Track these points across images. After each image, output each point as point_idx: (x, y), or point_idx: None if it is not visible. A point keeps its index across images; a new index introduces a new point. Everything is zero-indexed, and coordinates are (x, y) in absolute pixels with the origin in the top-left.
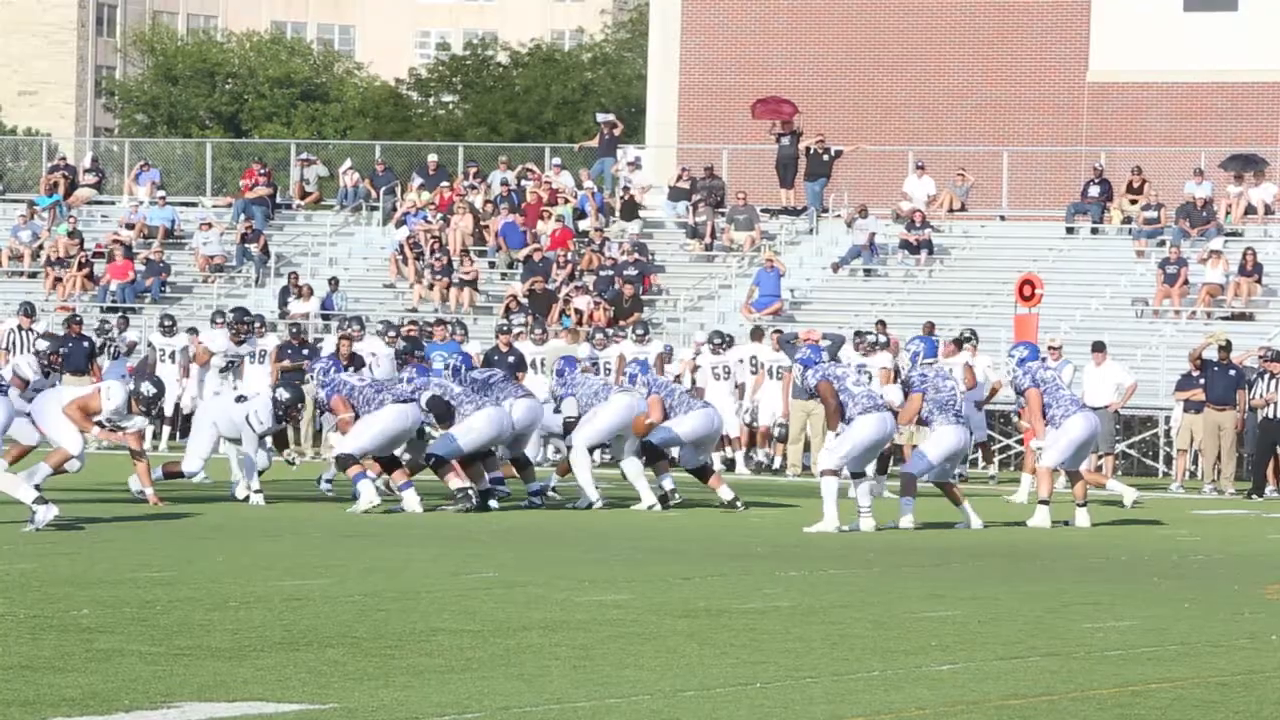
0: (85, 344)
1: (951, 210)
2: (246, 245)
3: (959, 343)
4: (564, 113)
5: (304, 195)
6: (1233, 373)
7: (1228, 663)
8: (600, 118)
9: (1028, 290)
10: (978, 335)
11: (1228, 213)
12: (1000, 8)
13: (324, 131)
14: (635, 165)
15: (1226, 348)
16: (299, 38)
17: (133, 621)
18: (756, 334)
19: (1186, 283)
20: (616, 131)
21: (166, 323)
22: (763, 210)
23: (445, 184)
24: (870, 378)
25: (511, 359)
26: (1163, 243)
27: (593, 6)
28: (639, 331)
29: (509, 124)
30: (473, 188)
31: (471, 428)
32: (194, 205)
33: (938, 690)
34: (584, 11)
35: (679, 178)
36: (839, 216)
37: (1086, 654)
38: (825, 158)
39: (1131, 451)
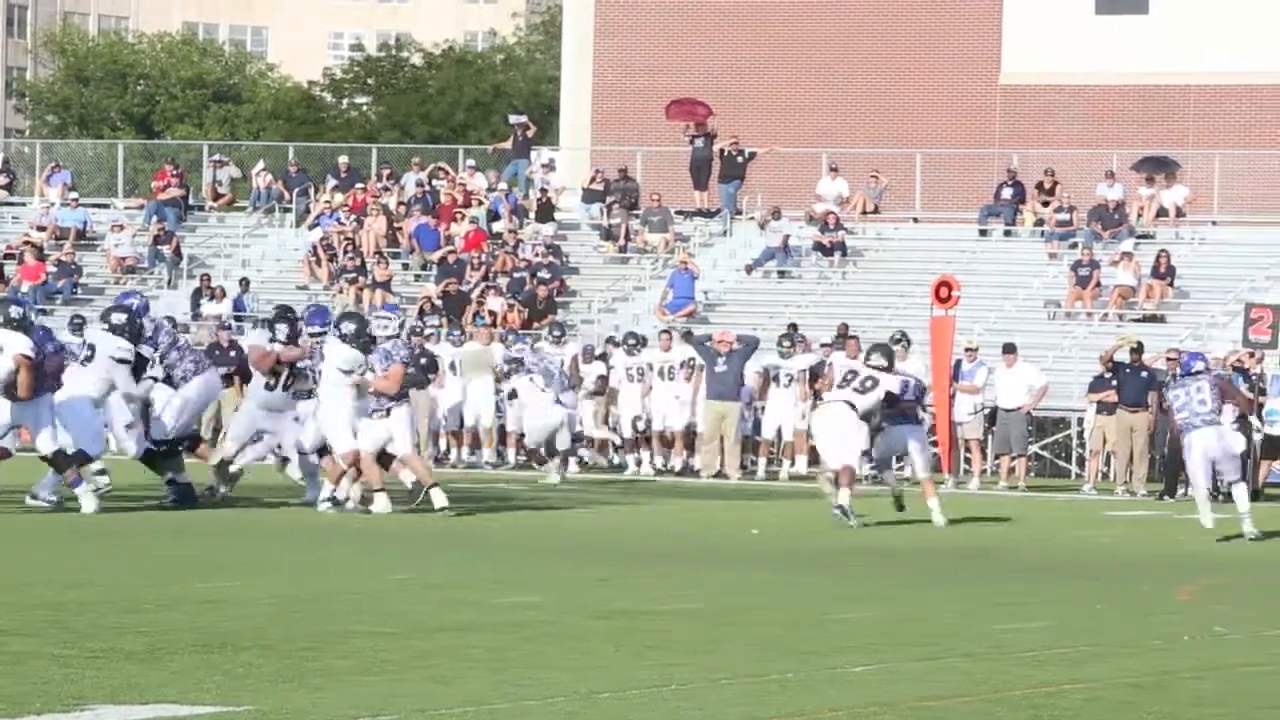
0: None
1: (865, 212)
2: (159, 246)
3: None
4: (475, 114)
5: (217, 197)
6: (1145, 374)
7: (1141, 664)
8: (513, 119)
9: (944, 292)
10: (908, 337)
11: (1139, 215)
12: (913, 10)
13: (237, 133)
14: (549, 167)
15: (1138, 350)
16: (211, 39)
17: (44, 624)
18: (687, 336)
19: (1098, 285)
20: (530, 133)
21: (76, 321)
22: (677, 212)
23: (359, 185)
24: (791, 380)
25: (424, 360)
26: (1075, 245)
27: (505, 8)
28: (555, 333)
29: (422, 126)
30: (386, 189)
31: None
32: (106, 207)
33: (852, 692)
34: (496, 13)
35: (593, 180)
36: (753, 218)
37: (1000, 655)
38: (739, 159)
39: (1044, 453)
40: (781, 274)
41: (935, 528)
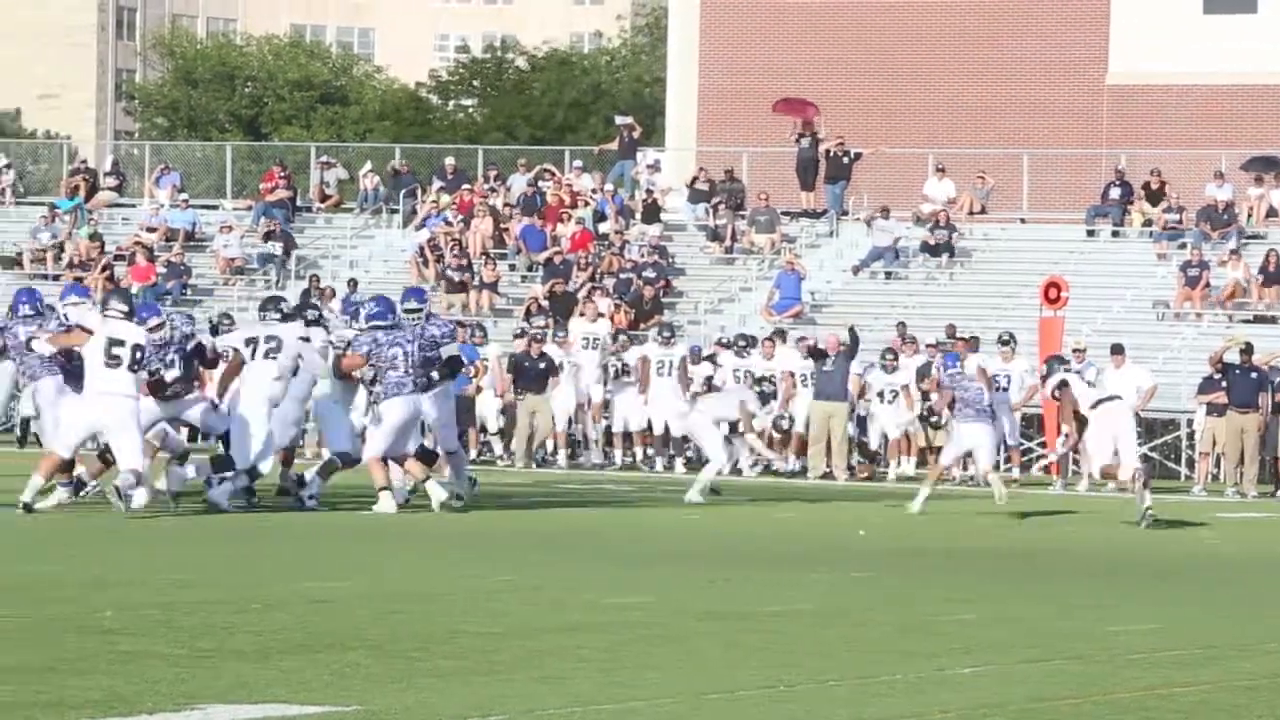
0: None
1: (972, 213)
2: (270, 244)
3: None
4: (576, 115)
5: (324, 198)
6: (1255, 375)
7: (1254, 665)
8: (618, 120)
9: (1053, 293)
10: (1015, 338)
11: (1249, 215)
12: (1020, 10)
13: (343, 134)
14: (654, 168)
15: (1248, 350)
16: (318, 41)
17: (155, 624)
18: (780, 337)
19: (1208, 285)
20: (635, 134)
21: (226, 323)
22: (783, 213)
23: (466, 186)
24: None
25: (542, 364)
26: (1183, 245)
27: (611, 9)
28: (664, 334)
29: (524, 128)
30: (492, 190)
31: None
32: (214, 208)
33: (961, 693)
34: (603, 14)
35: (697, 180)
36: (859, 219)
37: (1110, 657)
38: (845, 160)
39: (1153, 454)
40: (888, 275)
41: (1013, 518)
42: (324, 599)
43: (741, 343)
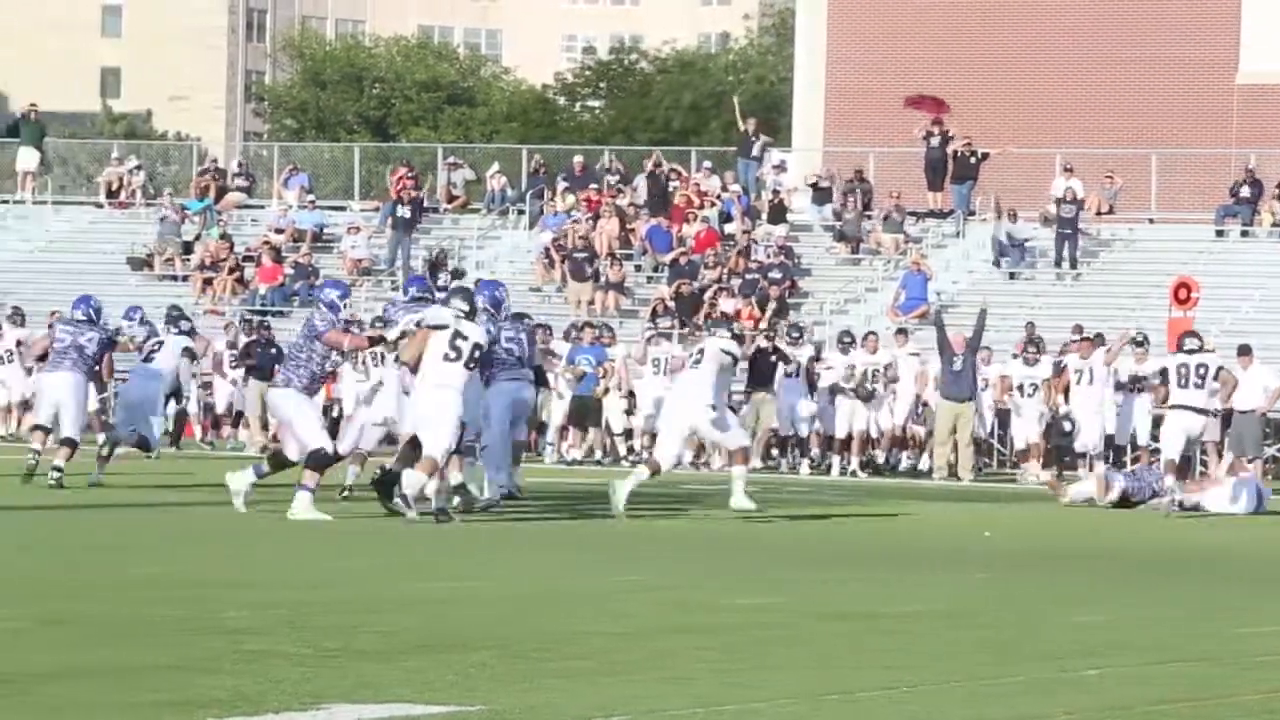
0: (274, 350)
1: (1099, 213)
2: (399, 242)
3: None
4: (695, 118)
5: (451, 199)
6: None
7: None
8: (750, 123)
9: (1183, 293)
10: (1148, 338)
11: None
12: (1150, 10)
13: (470, 135)
14: (780, 168)
15: None
16: (446, 42)
17: (281, 623)
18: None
19: None
20: (761, 136)
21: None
22: (909, 213)
23: (594, 185)
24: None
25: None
26: None
27: (739, 9)
28: (793, 334)
29: (644, 132)
30: (619, 191)
31: None
32: (342, 209)
33: (1085, 695)
34: (730, 14)
35: (824, 180)
36: (985, 220)
37: (1233, 659)
38: (972, 160)
39: None
40: (1013, 275)
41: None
42: (448, 599)
43: (847, 339)
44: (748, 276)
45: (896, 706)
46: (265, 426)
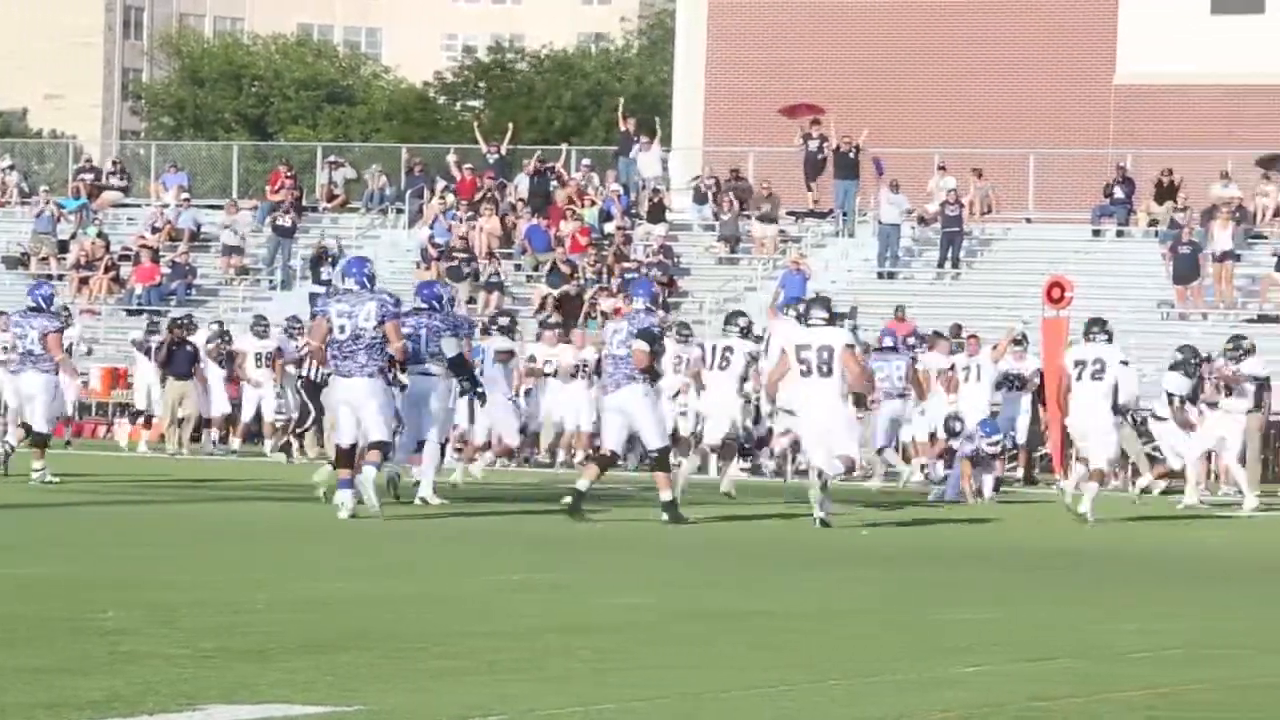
0: (190, 350)
1: (977, 213)
2: (279, 240)
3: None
4: (576, 118)
5: (331, 198)
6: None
7: (1257, 664)
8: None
9: (1056, 292)
10: (1027, 337)
11: (1257, 215)
12: (1027, 10)
13: (349, 134)
14: (660, 168)
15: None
16: (325, 40)
17: (158, 624)
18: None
19: (1217, 284)
20: (641, 136)
21: (260, 327)
22: (788, 213)
23: (469, 166)
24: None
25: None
26: (1188, 245)
27: (619, 8)
28: (683, 333)
29: (527, 132)
30: (498, 190)
31: None
32: (220, 208)
33: (963, 692)
34: (611, 14)
35: (703, 179)
36: (865, 219)
37: (1114, 655)
38: (851, 156)
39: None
40: (890, 275)
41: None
42: (328, 599)
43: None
44: (627, 276)
45: (774, 705)
46: (206, 425)
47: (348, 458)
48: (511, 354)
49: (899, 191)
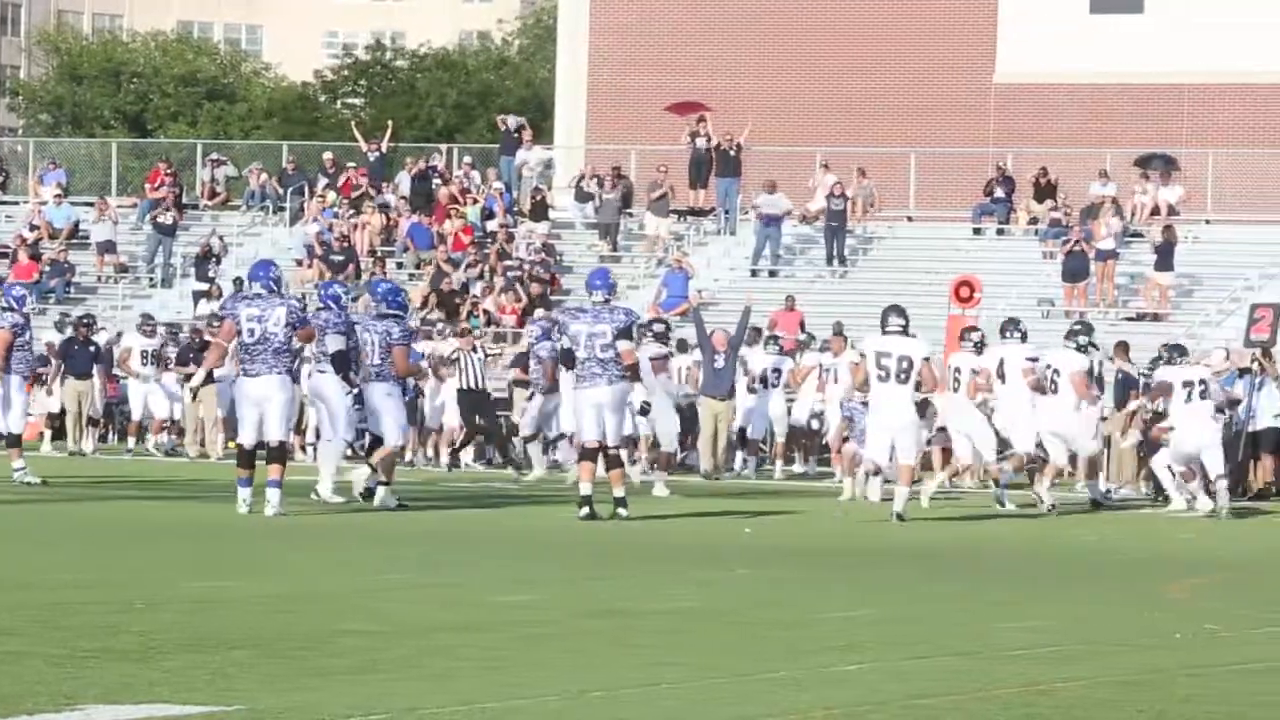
0: (93, 349)
1: (856, 210)
2: (161, 238)
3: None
4: (460, 116)
5: (212, 195)
6: (1121, 376)
7: (1132, 661)
8: (510, 120)
9: (965, 291)
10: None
11: (1134, 214)
12: (908, 10)
13: (229, 131)
14: (544, 166)
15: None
16: (206, 38)
17: (37, 624)
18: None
19: (1101, 282)
20: (524, 133)
21: (148, 326)
22: (670, 211)
23: (351, 164)
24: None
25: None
26: (1068, 243)
27: (502, 8)
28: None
29: (409, 129)
30: (380, 188)
31: None
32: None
33: (844, 690)
34: (493, 12)
35: (586, 178)
36: (747, 217)
37: (992, 653)
38: (733, 154)
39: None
40: (772, 273)
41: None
42: (209, 599)
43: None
44: (509, 274)
45: (658, 702)
46: (91, 424)
47: (249, 457)
48: (667, 358)
49: (775, 191)
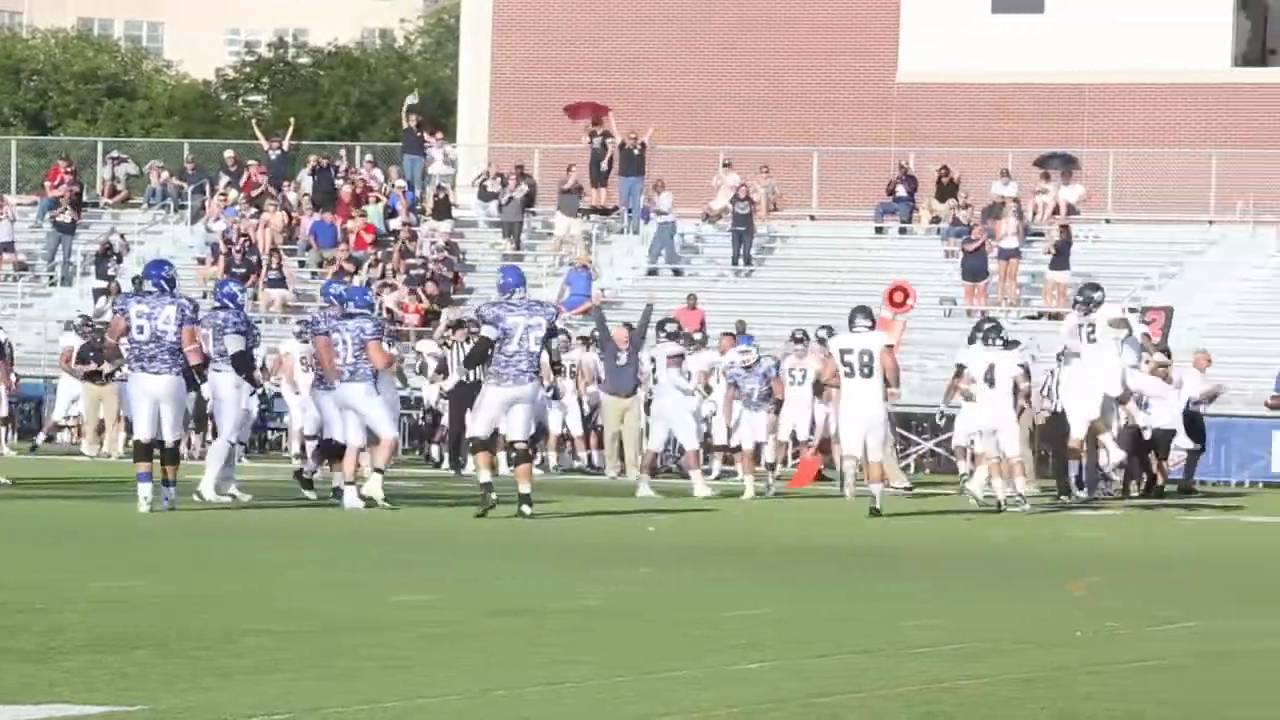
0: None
1: (760, 209)
2: (61, 237)
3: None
4: (363, 114)
5: (113, 194)
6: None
7: (1034, 659)
8: (409, 99)
9: (899, 296)
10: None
11: (1035, 213)
12: (811, 9)
13: (130, 129)
14: (447, 164)
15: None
16: (106, 35)
17: None
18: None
19: (1004, 280)
20: (428, 132)
21: (86, 326)
22: (579, 210)
23: (252, 161)
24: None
25: None
26: (970, 242)
27: (403, 4)
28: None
29: (312, 128)
30: (282, 186)
31: None
32: None
33: (745, 688)
34: (397, 10)
35: (489, 176)
36: (653, 216)
37: (895, 651)
38: (637, 152)
39: (940, 450)
40: (677, 272)
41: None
42: (111, 599)
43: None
44: (412, 272)
45: (561, 701)
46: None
47: (147, 451)
48: (682, 357)
49: (662, 191)
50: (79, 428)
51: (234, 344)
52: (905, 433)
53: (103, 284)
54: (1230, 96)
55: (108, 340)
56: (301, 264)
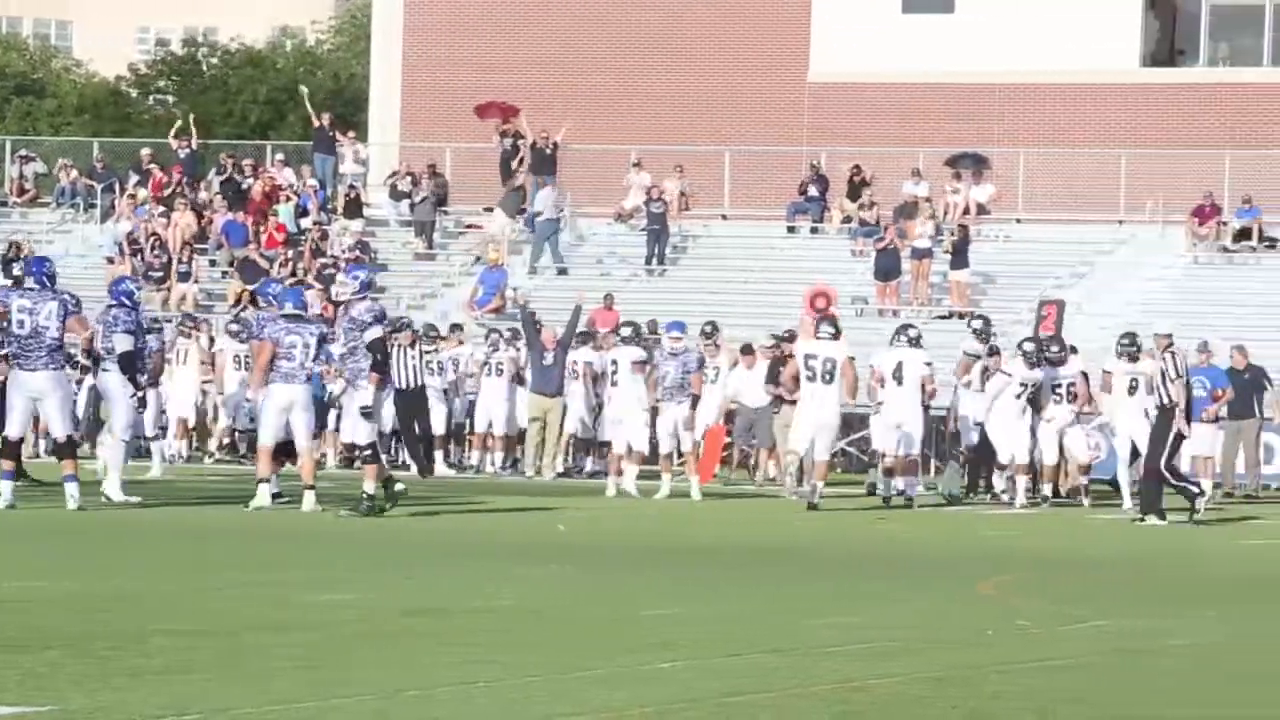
0: None
1: (672, 208)
2: None
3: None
4: (271, 112)
5: (21, 192)
6: None
7: (945, 658)
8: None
9: (821, 302)
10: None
11: (945, 212)
12: (722, 8)
13: (38, 127)
14: (358, 163)
15: None
16: (14, 33)
17: None
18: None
19: (914, 279)
20: (337, 130)
21: None
22: (485, 209)
23: (154, 164)
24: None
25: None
26: (881, 241)
27: (313, 7)
28: (430, 333)
29: (222, 126)
30: (193, 185)
31: None
32: None
33: (658, 688)
34: (309, 8)
35: (401, 175)
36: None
37: (807, 650)
38: (549, 152)
39: (851, 449)
40: (561, 271)
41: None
42: (20, 598)
43: (433, 333)
44: (324, 272)
45: (473, 701)
46: None
47: (14, 449)
48: (645, 363)
49: (542, 188)
50: None
51: (122, 343)
52: None
53: (7, 284)
54: (1140, 97)
55: None
56: (212, 263)
